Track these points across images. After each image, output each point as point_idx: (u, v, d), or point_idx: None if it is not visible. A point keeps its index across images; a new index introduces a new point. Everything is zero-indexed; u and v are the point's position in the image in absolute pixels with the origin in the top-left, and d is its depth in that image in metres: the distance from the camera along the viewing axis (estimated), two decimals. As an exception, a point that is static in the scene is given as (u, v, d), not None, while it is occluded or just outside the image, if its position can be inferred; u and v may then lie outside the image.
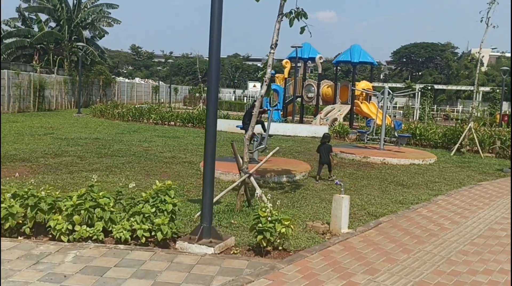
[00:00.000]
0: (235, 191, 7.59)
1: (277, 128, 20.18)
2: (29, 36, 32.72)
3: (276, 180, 9.71)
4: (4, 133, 15.63)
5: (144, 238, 4.86)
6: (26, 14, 33.82)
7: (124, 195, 5.56)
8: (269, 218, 4.93)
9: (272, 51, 7.00)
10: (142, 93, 48.31)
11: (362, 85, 24.93)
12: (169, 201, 5.08)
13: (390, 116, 20.69)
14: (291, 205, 7.73)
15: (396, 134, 15.68)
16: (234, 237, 5.61)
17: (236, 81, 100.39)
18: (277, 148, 7.48)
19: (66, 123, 20.82)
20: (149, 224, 4.85)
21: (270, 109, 10.58)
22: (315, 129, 20.14)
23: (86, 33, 36.90)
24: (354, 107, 24.88)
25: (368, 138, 15.90)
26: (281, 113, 26.09)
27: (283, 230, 4.90)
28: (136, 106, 29.23)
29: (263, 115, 10.77)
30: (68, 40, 33.11)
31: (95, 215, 4.94)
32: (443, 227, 6.70)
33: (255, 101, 7.55)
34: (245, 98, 54.22)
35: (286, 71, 27.13)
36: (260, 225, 4.91)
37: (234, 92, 71.15)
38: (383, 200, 8.45)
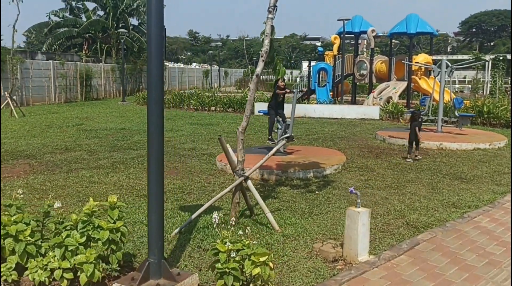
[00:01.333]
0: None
1: (323, 110, 18.37)
2: (77, 25, 32.67)
3: (301, 176, 8.10)
4: (33, 125, 15.06)
5: (65, 281, 3.51)
6: (73, 3, 33.81)
7: (52, 217, 4.20)
8: (234, 254, 3.40)
9: (270, 16, 5.38)
10: (194, 78, 47.68)
11: (421, 59, 22.35)
12: (106, 226, 3.68)
13: (453, 92, 18.20)
14: (308, 212, 6.13)
15: (456, 114, 13.43)
16: (198, 273, 4.07)
17: (293, 62, 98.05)
18: (283, 142, 5.87)
19: (105, 113, 20.18)
20: (73, 261, 3.50)
21: (294, 91, 8.93)
22: (365, 110, 18.10)
23: (134, 20, 36.52)
24: (412, 84, 22.43)
25: (423, 119, 13.75)
26: (331, 93, 24.10)
27: (256, 270, 3.35)
28: (183, 91, 28.37)
29: (286, 94, 9.13)
30: (114, 27, 32.74)
31: (6, 248, 3.65)
32: (509, 249, 4.86)
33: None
34: (297, 79, 52.16)
35: (335, 47, 24.99)
36: (219, 265, 3.39)
37: (291, 73, 69.17)
38: (431, 202, 6.63)
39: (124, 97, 26.97)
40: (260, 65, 5.36)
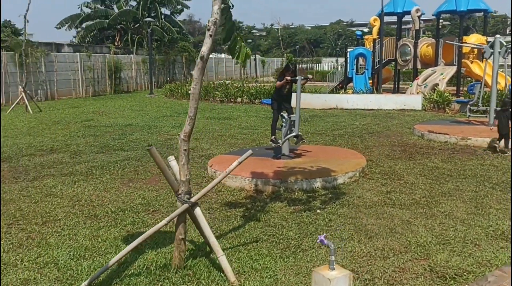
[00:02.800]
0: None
1: (357, 101, 16.40)
2: (108, 17, 31.95)
3: (304, 186, 6.41)
4: (40, 122, 14.10)
5: None
6: (104, -6, 33.18)
7: None
8: None
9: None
10: (232, 68, 46.33)
11: (473, 40, 19.75)
12: None
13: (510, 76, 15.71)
14: (293, 246, 4.49)
15: (513, 103, 11.20)
16: None
17: (338, 49, 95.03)
18: (249, 151, 4.23)
19: (125, 106, 19.10)
20: None
21: (297, 78, 7.21)
22: (405, 99, 15.97)
23: (166, 10, 35.47)
24: (463, 69, 19.91)
25: (472, 110, 11.63)
26: (370, 82, 21.93)
27: None
28: (212, 83, 27.00)
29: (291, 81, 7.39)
30: (145, 17, 31.72)
31: None
32: None
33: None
34: (339, 67, 49.66)
35: (375, 30, 22.72)
36: None
37: (337, 61, 66.46)
38: (471, 231, 4.79)
39: (152, 89, 25.93)
40: (207, 43, 3.71)
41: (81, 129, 12.44)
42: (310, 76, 7.61)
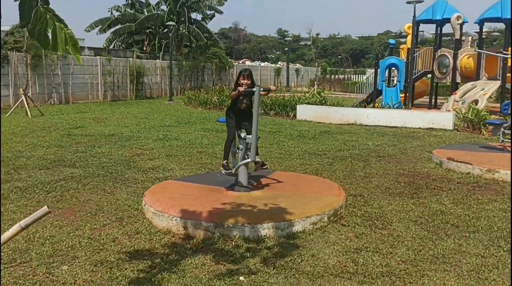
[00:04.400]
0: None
1: (378, 116, 14.47)
2: (136, 20, 31.24)
3: (247, 233, 4.76)
4: (26, 127, 13.08)
5: None
6: (134, -2, 32.54)
7: None
8: None
9: None
10: (267, 76, 44.88)
11: (521, 52, 17.32)
12: None
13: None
14: None
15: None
16: None
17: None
18: (45, 207, 2.64)
19: (133, 113, 17.97)
20: None
21: (254, 89, 5.51)
22: (434, 117, 13.87)
23: (198, 15, 34.50)
24: (508, 85, 17.51)
25: (505, 134, 9.53)
26: (401, 95, 19.83)
27: None
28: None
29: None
30: (175, 22, 30.80)
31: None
32: None
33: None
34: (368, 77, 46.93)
35: (409, 39, 20.61)
36: None
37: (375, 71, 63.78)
38: None
39: (172, 96, 24.81)
40: None
41: (57, 137, 11.24)
42: (273, 87, 5.93)
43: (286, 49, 43.72)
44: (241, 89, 5.62)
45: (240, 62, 63.92)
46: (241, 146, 5.86)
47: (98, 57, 24.49)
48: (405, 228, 5.14)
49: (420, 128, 13.78)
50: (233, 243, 4.67)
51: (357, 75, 53.17)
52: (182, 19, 31.23)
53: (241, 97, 5.90)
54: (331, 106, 16.09)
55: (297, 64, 73.64)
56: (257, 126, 5.65)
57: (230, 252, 4.46)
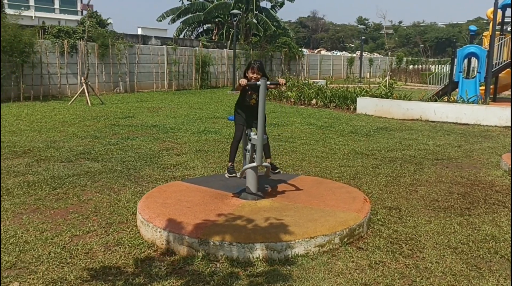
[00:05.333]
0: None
1: (447, 112, 12.94)
2: (205, 9, 31.10)
3: (235, 254, 4.00)
4: (78, 116, 13.18)
5: None
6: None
7: None
8: None
9: None
10: (340, 67, 43.25)
11: None
12: None
13: None
14: None
15: None
16: None
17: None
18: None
19: (190, 103, 17.72)
20: None
21: (258, 82, 4.63)
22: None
23: (268, 4, 33.73)
24: None
25: None
26: (481, 88, 17.77)
27: None
28: (303, 80, 24.64)
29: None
30: (243, 11, 30.33)
31: None
32: None
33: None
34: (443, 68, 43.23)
35: (492, 25, 18.37)
36: None
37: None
38: None
39: (234, 86, 24.40)
40: None
41: (100, 127, 11.10)
42: (281, 81, 5.01)
43: (363, 37, 41.61)
44: (242, 81, 4.81)
45: (315, 51, 62.44)
46: (248, 148, 5.08)
47: (164, 46, 24.61)
48: (438, 258, 4.11)
49: (496, 126, 12.11)
50: (217, 265, 3.94)
51: (440, 66, 49.71)
52: (251, 7, 30.63)
53: (249, 92, 5.09)
54: (394, 100, 14.69)
55: (375, 54, 70.59)
56: (264, 124, 4.82)
57: (210, 276, 3.73)
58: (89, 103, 16.21)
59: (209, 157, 8.03)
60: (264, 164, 4.99)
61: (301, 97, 17.76)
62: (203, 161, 7.75)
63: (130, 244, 4.37)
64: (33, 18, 52.84)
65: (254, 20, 31.19)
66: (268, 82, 4.79)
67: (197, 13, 31.53)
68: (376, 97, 15.51)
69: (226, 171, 5.25)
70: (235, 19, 25.09)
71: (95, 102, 16.86)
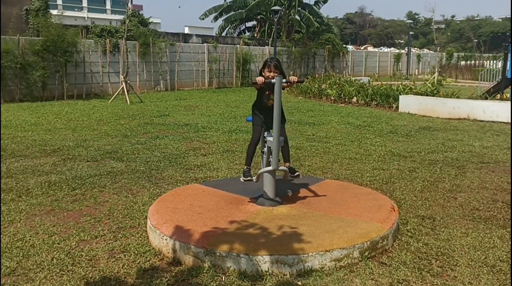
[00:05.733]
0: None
1: (497, 111, 12.08)
2: (247, 6, 30.89)
3: (243, 266, 3.69)
4: (114, 114, 13.26)
5: None
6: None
7: None
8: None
9: None
10: (387, 63, 41.93)
11: None
12: None
13: None
14: None
15: None
16: None
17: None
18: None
19: (228, 101, 17.55)
20: None
21: (273, 80, 4.29)
22: None
23: (311, 0, 33.09)
24: None
25: None
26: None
27: None
28: (344, 78, 23.97)
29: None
30: (286, 7, 29.89)
31: None
32: None
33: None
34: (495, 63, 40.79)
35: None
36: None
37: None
38: None
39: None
40: None
41: (133, 126, 11.06)
42: (293, 78, 4.58)
43: (410, 33, 40.14)
44: (259, 79, 4.48)
45: (362, 48, 60.96)
46: (266, 150, 4.75)
47: (205, 44, 24.60)
48: (472, 278, 3.64)
49: (551, 126, 11.16)
50: (223, 278, 3.64)
51: (493, 61, 47.30)
52: (293, 4, 30.15)
53: (266, 92, 4.75)
54: (440, 98, 13.89)
55: (425, 50, 68.09)
56: (279, 125, 4.47)
57: (213, 292, 3.44)
58: (128, 102, 16.35)
59: (236, 158, 7.75)
60: (281, 168, 4.65)
61: (341, 95, 17.18)
62: (228, 162, 7.48)
63: (136, 252, 4.15)
64: (86, 19, 54.57)
65: (297, 17, 30.67)
66: (284, 80, 4.44)
67: (239, 10, 31.36)
68: (421, 95, 14.74)
69: (242, 175, 4.94)
70: (276, 16, 24.71)
71: (134, 100, 16.99)
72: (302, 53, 30.57)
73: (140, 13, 23.30)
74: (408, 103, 13.99)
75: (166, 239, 4.07)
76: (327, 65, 33.16)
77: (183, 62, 23.50)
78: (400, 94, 14.82)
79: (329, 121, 12.14)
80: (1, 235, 4.46)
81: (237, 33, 33.43)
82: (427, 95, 15.15)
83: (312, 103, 16.89)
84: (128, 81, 17.33)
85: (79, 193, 5.81)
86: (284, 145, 4.81)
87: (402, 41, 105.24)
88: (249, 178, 4.83)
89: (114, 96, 17.21)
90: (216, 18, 32.09)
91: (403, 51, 45.29)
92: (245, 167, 4.92)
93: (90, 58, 19.42)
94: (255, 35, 32.48)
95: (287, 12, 30.71)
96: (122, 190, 5.94)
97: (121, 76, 17.54)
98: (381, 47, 70.28)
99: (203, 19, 32.09)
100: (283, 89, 4.74)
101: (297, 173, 4.92)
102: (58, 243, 4.32)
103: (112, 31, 20.59)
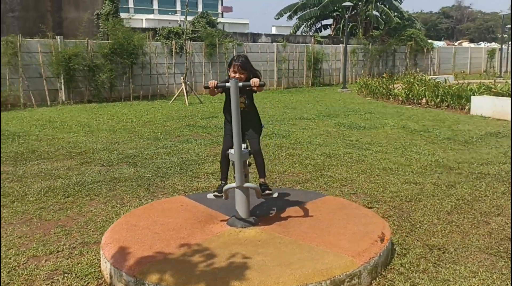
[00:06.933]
0: None
1: None
2: (321, 4, 29.89)
3: (171, 303, 3.15)
4: (168, 115, 13.26)
5: None
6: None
7: None
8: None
9: None
10: (480, 59, 38.55)
11: None
12: None
13: None
14: None
15: None
16: None
17: None
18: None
19: (286, 102, 16.92)
20: None
21: (227, 84, 3.63)
22: None
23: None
24: None
25: None
26: None
27: None
28: (421, 76, 22.18)
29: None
30: (363, 3, 28.46)
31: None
32: None
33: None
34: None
35: None
36: None
37: None
38: None
39: (345, 83, 22.96)
40: None
41: (176, 128, 10.86)
42: (253, 81, 3.90)
43: (506, 26, 36.51)
44: (211, 83, 3.89)
45: (456, 43, 56.80)
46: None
47: (274, 43, 24.14)
48: None
49: None
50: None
51: None
52: (371, -1, 28.70)
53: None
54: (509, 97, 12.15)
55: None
56: (240, 137, 3.85)
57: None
58: (187, 103, 16.36)
59: (253, 166, 7.17)
60: (247, 184, 4.03)
61: (410, 96, 15.81)
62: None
63: (79, 274, 3.77)
64: (157, 21, 56.74)
65: (375, 12, 29.12)
66: (240, 84, 3.82)
67: (314, 8, 30.48)
68: (499, 96, 13.05)
69: (214, 191, 4.38)
70: (347, 12, 23.58)
71: (194, 101, 16.98)
72: (381, 51, 28.97)
73: (208, 13, 23.36)
74: (482, 105, 12.43)
75: (106, 262, 3.65)
76: (408, 62, 31.15)
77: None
78: (474, 94, 13.24)
79: (383, 125, 11.08)
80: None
81: (312, 31, 32.56)
82: (509, 95, 13.38)
83: (376, 105, 15.74)
84: (188, 83, 17.36)
85: (69, 201, 5.60)
86: (257, 158, 4.19)
87: (505, 35, 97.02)
88: (220, 194, 4.26)
89: (174, 97, 17.34)
90: (290, 17, 31.48)
91: (504, 46, 41.37)
92: (221, 182, 4.37)
93: (157, 60, 19.80)
94: (331, 33, 31.40)
95: (365, 8, 29.27)
96: (112, 200, 5.64)
97: (181, 78, 17.62)
98: (480, 42, 65.01)
99: (278, 18, 31.67)
100: (255, 92, 4.13)
101: (267, 192, 4.26)
102: (10, 258, 4.08)
103: (179, 32, 20.85)
